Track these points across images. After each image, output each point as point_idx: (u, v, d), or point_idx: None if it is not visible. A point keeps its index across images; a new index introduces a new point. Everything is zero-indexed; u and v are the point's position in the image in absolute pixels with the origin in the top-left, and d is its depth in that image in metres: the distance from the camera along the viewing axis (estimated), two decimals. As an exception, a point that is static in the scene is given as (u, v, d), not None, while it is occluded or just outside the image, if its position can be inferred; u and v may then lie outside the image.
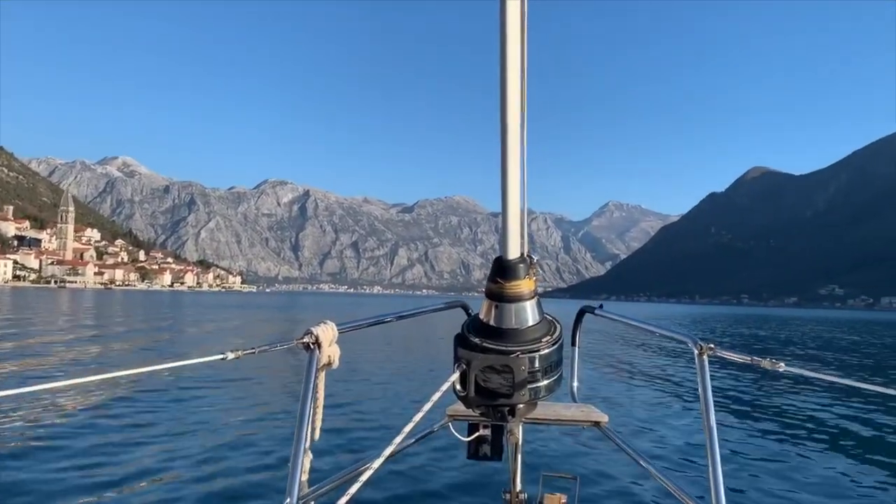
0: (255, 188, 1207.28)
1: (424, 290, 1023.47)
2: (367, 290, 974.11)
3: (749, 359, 1.99)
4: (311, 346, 1.91)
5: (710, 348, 2.00)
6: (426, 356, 24.05)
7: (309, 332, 1.92)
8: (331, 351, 1.96)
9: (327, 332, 1.95)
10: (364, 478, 1.62)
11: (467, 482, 7.62)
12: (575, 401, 3.19)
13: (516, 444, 2.72)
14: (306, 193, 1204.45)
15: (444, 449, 8.60)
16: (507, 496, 2.83)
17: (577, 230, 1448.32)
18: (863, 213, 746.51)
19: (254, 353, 1.86)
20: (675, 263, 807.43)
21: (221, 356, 1.76)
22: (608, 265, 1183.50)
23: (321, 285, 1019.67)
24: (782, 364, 1.93)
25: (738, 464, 9.42)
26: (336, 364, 2.00)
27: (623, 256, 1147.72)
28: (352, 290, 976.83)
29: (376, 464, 1.66)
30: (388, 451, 1.73)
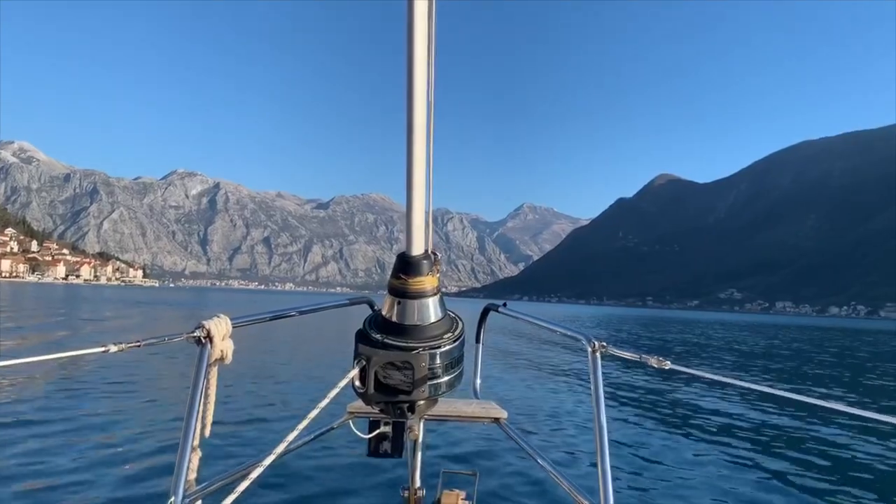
0: (162, 179, 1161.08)
1: (339, 288, 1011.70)
2: (279, 287, 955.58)
3: (638, 356, 2.05)
4: (203, 341, 1.85)
5: (603, 346, 2.05)
6: (330, 353, 22.86)
7: (200, 326, 1.85)
8: (224, 346, 1.90)
9: (220, 327, 1.89)
10: (253, 476, 1.59)
11: (366, 480, 7.53)
12: (477, 397, 3.21)
13: (416, 441, 2.72)
14: (217, 186, 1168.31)
15: (344, 446, 8.51)
16: (406, 493, 2.82)
17: (492, 231, 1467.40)
18: (761, 221, 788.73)
19: (139, 346, 1.78)
20: (585, 266, 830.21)
21: (102, 348, 1.68)
22: (521, 266, 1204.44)
23: (230, 281, 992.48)
24: (668, 362, 1.99)
25: (627, 458, 9.62)
26: (229, 359, 1.93)
27: (536, 258, 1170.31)
28: (263, 286, 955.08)
29: (267, 461, 1.64)
30: (279, 449, 1.70)
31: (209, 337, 1.85)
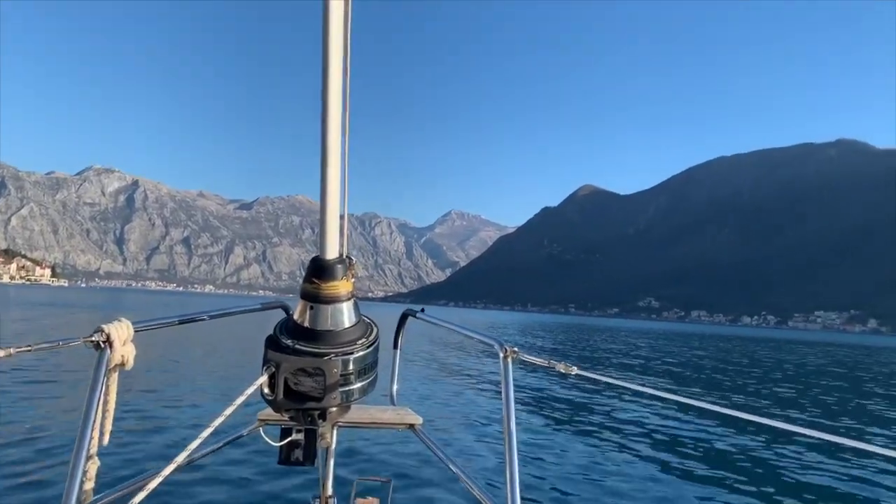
0: (77, 175, 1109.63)
1: (261, 291, 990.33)
2: (199, 289, 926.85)
3: (547, 362, 2.08)
4: (102, 345, 1.75)
5: (514, 352, 2.05)
6: (243, 360, 21.86)
7: (99, 330, 1.76)
8: (125, 351, 1.81)
9: (121, 331, 1.80)
10: (152, 486, 1.54)
11: (276, 489, 7.35)
12: (394, 403, 3.21)
13: (328, 449, 2.67)
14: (135, 183, 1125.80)
15: (254, 455, 8.30)
16: (317, 502, 2.77)
17: (420, 236, 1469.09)
18: (678, 233, 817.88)
19: (30, 350, 1.66)
20: (511, 272, 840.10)
21: None
22: (448, 272, 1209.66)
23: (147, 282, 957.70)
24: (575, 368, 2.03)
25: (536, 463, 9.75)
26: (131, 365, 1.84)
27: (462, 264, 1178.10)
28: (181, 288, 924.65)
29: (167, 471, 1.59)
30: (181, 458, 1.65)
31: (109, 341, 1.76)
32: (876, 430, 15.81)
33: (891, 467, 10.80)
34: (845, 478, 10.12)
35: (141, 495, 1.51)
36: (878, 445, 1.60)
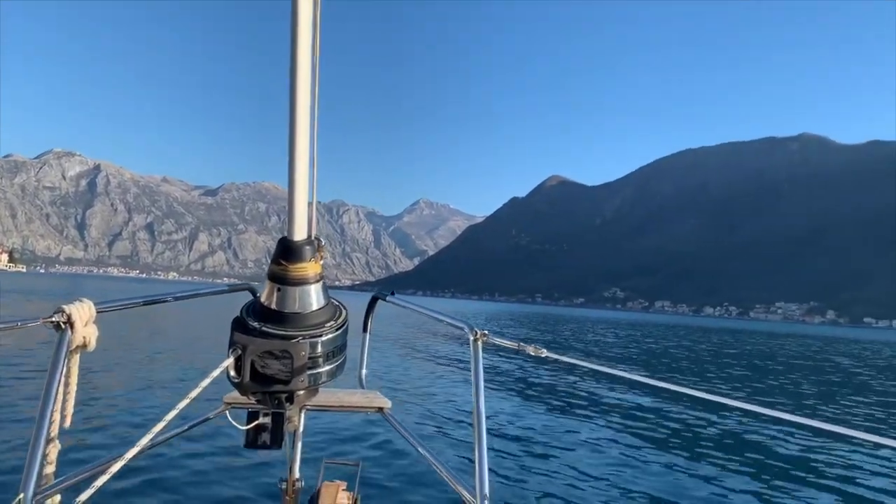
0: (36, 158, 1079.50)
1: (226, 279, 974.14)
2: (162, 276, 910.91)
3: (517, 345, 2.08)
4: (62, 326, 1.72)
5: (484, 335, 2.06)
6: (211, 342, 21.44)
7: (60, 311, 1.72)
8: (86, 332, 1.76)
9: (82, 311, 1.76)
10: (114, 469, 1.51)
11: (242, 472, 7.28)
12: (363, 387, 3.19)
13: (296, 432, 2.66)
14: (97, 168, 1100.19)
15: (220, 438, 8.21)
16: (283, 485, 2.75)
17: (388, 225, 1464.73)
18: (643, 224, 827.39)
19: None
20: (479, 262, 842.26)
21: None
22: (416, 261, 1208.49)
23: (109, 269, 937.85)
24: (544, 350, 2.04)
25: (505, 445, 9.78)
26: (93, 346, 1.79)
27: (431, 253, 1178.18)
28: (144, 274, 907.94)
29: (129, 454, 1.57)
30: (144, 441, 1.63)
31: (70, 322, 1.73)
32: (829, 410, 16.26)
33: (844, 445, 11.18)
34: (798, 455, 10.39)
35: (103, 479, 1.48)
36: (833, 423, 1.66)
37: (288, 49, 1.60)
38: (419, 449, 2.47)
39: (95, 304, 1.82)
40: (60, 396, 1.68)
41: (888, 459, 10.49)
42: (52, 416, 1.62)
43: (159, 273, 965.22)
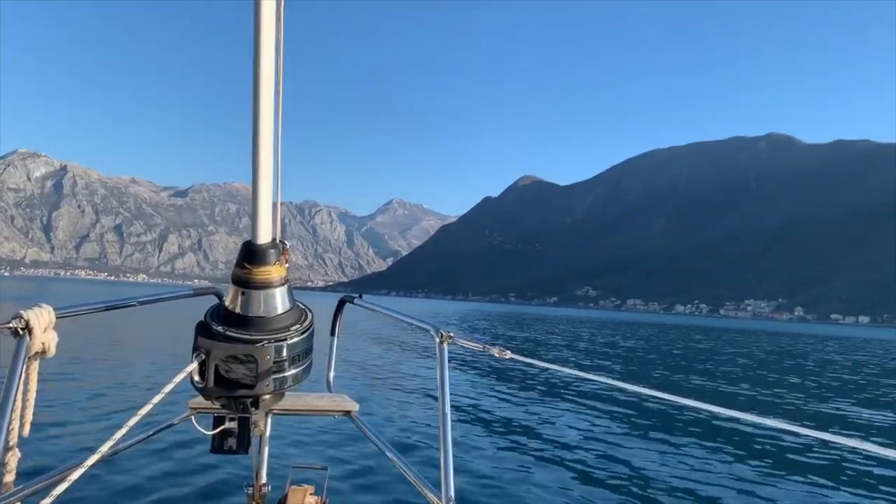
0: (1, 159, 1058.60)
1: (196, 280, 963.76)
2: (131, 279, 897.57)
3: (482, 346, 2.07)
4: (21, 332, 1.68)
5: (449, 336, 2.07)
6: (173, 348, 20.71)
7: (18, 317, 1.69)
8: (45, 338, 1.73)
9: (41, 317, 1.72)
10: (75, 476, 1.49)
11: (208, 478, 7.19)
12: (330, 390, 3.18)
13: (262, 437, 2.63)
14: (63, 169, 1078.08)
15: (185, 444, 8.11)
16: (251, 490, 2.71)
17: (360, 225, 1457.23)
18: (614, 223, 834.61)
19: None
20: (452, 262, 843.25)
21: None
22: (390, 261, 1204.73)
23: (77, 271, 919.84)
24: (508, 352, 2.03)
25: (471, 447, 9.78)
26: (52, 352, 1.76)
27: (404, 253, 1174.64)
28: (113, 277, 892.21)
29: (90, 461, 1.54)
30: (105, 448, 1.59)
31: (28, 328, 1.69)
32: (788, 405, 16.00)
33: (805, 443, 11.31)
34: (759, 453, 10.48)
35: (62, 486, 1.45)
36: (795, 423, 2.16)
37: (251, 46, 1.57)
38: (386, 452, 2.46)
39: (55, 310, 1.79)
40: (19, 404, 1.66)
41: (839, 456, 10.58)
42: (10, 423, 1.60)
43: (128, 275, 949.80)
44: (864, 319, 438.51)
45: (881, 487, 9.02)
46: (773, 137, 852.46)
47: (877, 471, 9.92)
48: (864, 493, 8.63)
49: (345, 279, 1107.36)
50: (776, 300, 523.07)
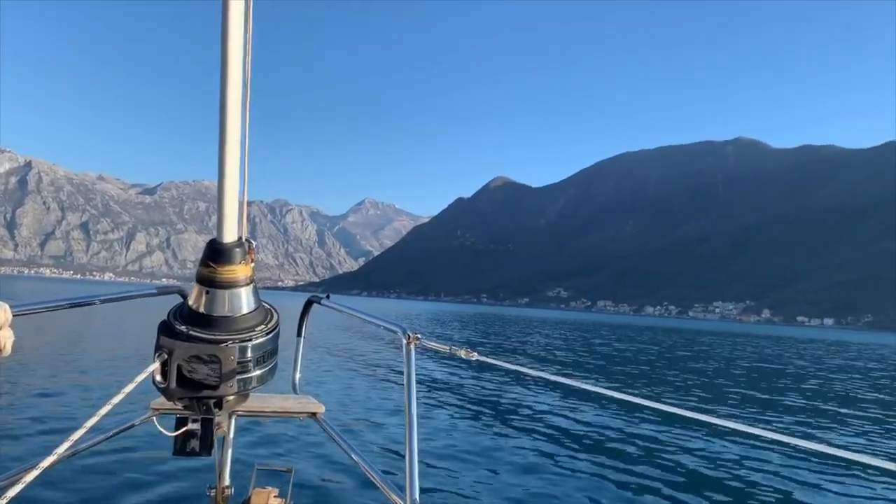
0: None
1: (164, 279, 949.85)
2: (98, 277, 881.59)
3: (448, 348, 2.07)
4: None
5: (417, 338, 2.06)
6: (136, 348, 20.12)
7: None
8: (1, 336, 1.64)
9: None
10: (29, 478, 1.44)
11: (170, 480, 7.04)
12: (296, 392, 3.15)
13: (225, 438, 2.58)
14: (28, 165, 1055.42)
15: (147, 445, 7.91)
16: (213, 493, 2.64)
17: (332, 225, 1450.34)
18: (586, 225, 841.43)
19: None
20: (425, 262, 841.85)
21: None
22: (362, 261, 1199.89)
23: (41, 269, 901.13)
24: (475, 354, 2.03)
25: (435, 451, 9.66)
26: (7, 351, 1.66)
27: (376, 253, 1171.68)
28: (79, 275, 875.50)
29: (46, 463, 1.49)
30: (62, 449, 1.54)
31: None
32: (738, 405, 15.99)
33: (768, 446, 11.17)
34: (731, 460, 10.32)
35: (17, 489, 1.40)
36: (763, 428, 1.57)
37: (219, 42, 1.57)
38: (352, 454, 2.46)
39: (12, 307, 1.71)
40: None
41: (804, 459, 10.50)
42: None
43: (95, 274, 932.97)
44: (829, 322, 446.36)
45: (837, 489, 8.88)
46: (741, 142, 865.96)
47: (830, 471, 9.80)
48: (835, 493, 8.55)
49: (316, 279, 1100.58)
50: (744, 302, 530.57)
